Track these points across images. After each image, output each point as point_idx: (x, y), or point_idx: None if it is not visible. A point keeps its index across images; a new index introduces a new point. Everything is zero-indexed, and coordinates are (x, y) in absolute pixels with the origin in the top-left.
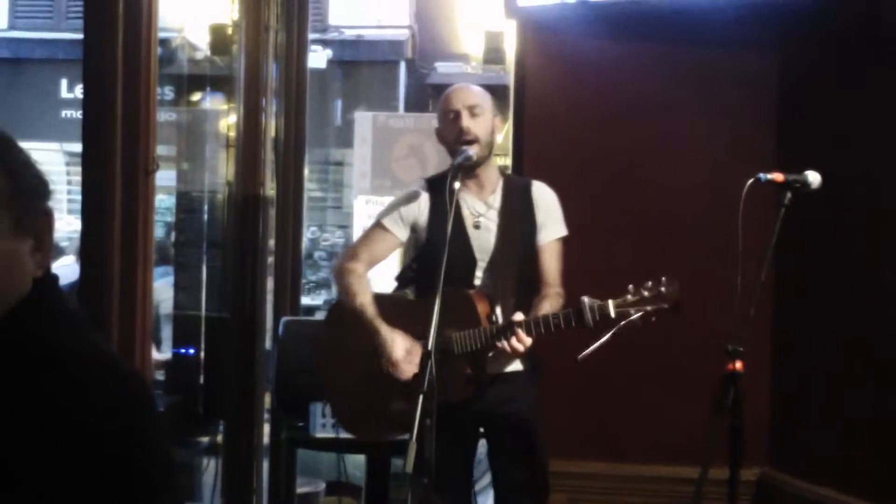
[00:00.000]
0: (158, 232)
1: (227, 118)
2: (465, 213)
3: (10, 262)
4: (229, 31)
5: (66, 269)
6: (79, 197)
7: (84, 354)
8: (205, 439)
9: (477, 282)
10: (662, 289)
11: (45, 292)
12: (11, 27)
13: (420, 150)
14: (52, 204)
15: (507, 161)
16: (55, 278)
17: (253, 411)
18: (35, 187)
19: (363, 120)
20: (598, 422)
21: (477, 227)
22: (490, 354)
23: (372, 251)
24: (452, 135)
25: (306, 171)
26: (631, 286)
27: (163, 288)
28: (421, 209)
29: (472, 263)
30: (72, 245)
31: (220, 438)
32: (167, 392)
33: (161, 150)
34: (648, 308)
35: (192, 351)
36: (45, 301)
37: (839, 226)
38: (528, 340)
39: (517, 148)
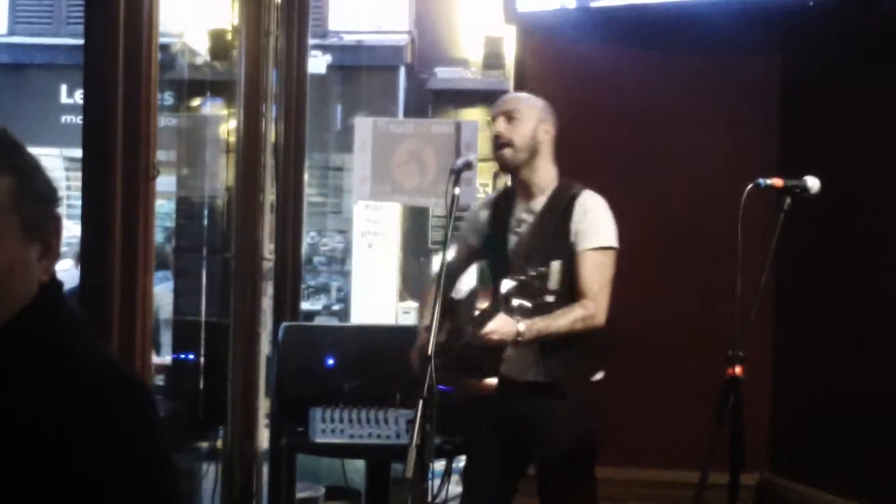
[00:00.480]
0: (158, 237)
1: (227, 123)
2: (510, 218)
3: (18, 266)
4: (229, 36)
5: (66, 274)
6: (78, 202)
7: (87, 359)
8: (205, 444)
9: None
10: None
11: (51, 297)
12: (11, 32)
13: (420, 155)
14: (60, 210)
15: None
16: (59, 284)
17: (253, 416)
18: (44, 192)
19: (363, 125)
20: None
21: (516, 233)
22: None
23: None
24: (492, 141)
25: (306, 177)
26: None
27: (163, 293)
28: (481, 218)
29: (507, 266)
30: (71, 250)
31: (220, 443)
32: (167, 397)
33: (161, 155)
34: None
35: (192, 356)
36: (51, 306)
37: (840, 231)
38: (489, 326)
39: None
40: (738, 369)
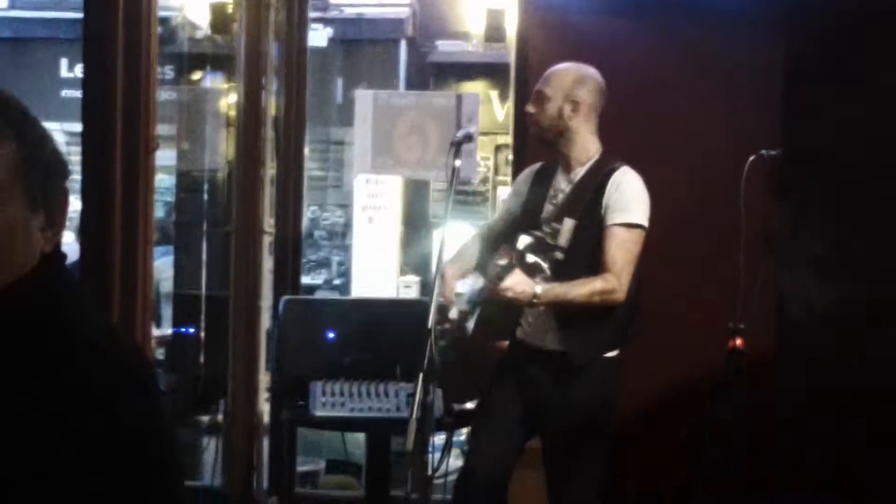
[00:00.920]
0: (159, 212)
1: (227, 97)
2: (549, 188)
3: (17, 230)
4: (230, 9)
5: (67, 247)
6: (79, 176)
7: (87, 331)
8: (205, 418)
9: None
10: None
11: (52, 268)
12: (12, 6)
13: (422, 128)
14: (68, 184)
15: (507, 139)
16: (63, 256)
17: (253, 390)
18: (51, 163)
19: (364, 98)
20: None
21: (552, 202)
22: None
23: (492, 221)
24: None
25: (307, 150)
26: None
27: (163, 267)
28: (524, 185)
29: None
30: (72, 224)
31: (220, 417)
32: (168, 371)
33: (162, 129)
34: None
35: (192, 330)
36: (51, 276)
37: (841, 207)
38: (506, 282)
39: (518, 126)
40: (738, 341)
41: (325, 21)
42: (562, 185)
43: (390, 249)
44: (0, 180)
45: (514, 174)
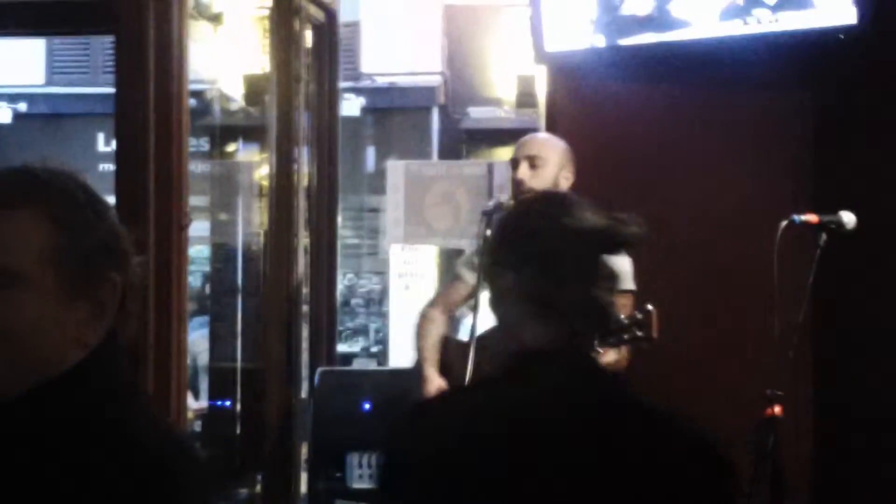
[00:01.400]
0: (195, 282)
1: (260, 168)
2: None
3: (45, 327)
4: (262, 81)
5: None
6: None
7: (132, 429)
8: (243, 491)
9: None
10: (639, 316)
11: (98, 363)
12: (48, 83)
13: (453, 197)
14: (123, 272)
15: None
16: (114, 348)
17: (290, 462)
18: (95, 249)
19: (395, 168)
20: None
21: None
22: None
23: (445, 296)
24: (513, 184)
25: (340, 219)
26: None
27: (200, 340)
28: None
29: None
30: None
31: (258, 489)
32: (204, 444)
33: (196, 200)
34: (625, 337)
35: (228, 403)
36: (96, 372)
37: (877, 266)
38: None
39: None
40: (776, 408)
41: (357, 90)
42: None
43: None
44: (24, 269)
45: None
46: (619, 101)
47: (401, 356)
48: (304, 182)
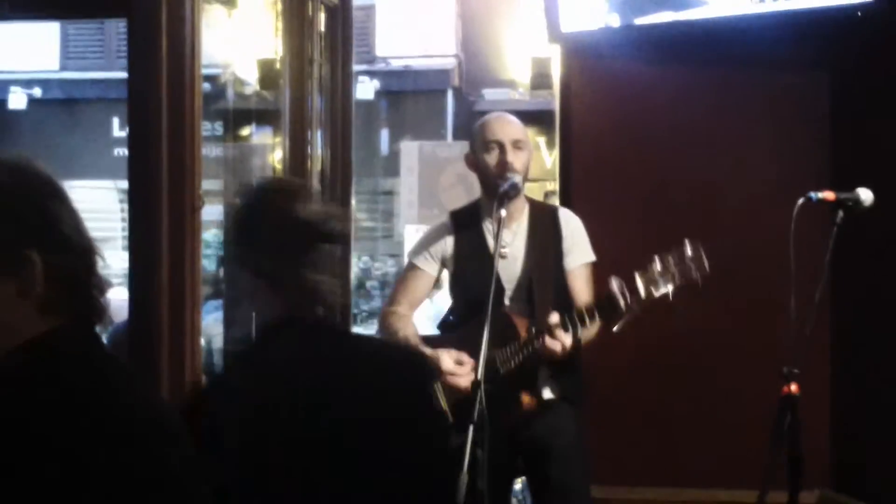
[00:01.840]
0: (210, 266)
1: (274, 152)
2: (491, 243)
3: None
4: (277, 65)
5: (122, 303)
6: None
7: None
8: None
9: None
10: (689, 253)
11: (58, 340)
12: (63, 68)
13: (467, 178)
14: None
15: (555, 186)
16: (82, 333)
17: None
18: (8, 226)
19: (409, 150)
20: (655, 447)
21: (503, 256)
22: (539, 376)
23: (409, 292)
24: (493, 166)
25: (354, 202)
26: (656, 256)
27: (215, 323)
28: (447, 244)
29: (501, 292)
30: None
31: None
32: None
33: (210, 185)
34: (676, 277)
35: None
36: (54, 345)
37: (895, 243)
38: (567, 338)
39: (564, 172)
40: (794, 387)
41: (372, 73)
42: (506, 238)
43: (442, 297)
44: None
45: None
46: (634, 81)
47: None
48: (318, 165)
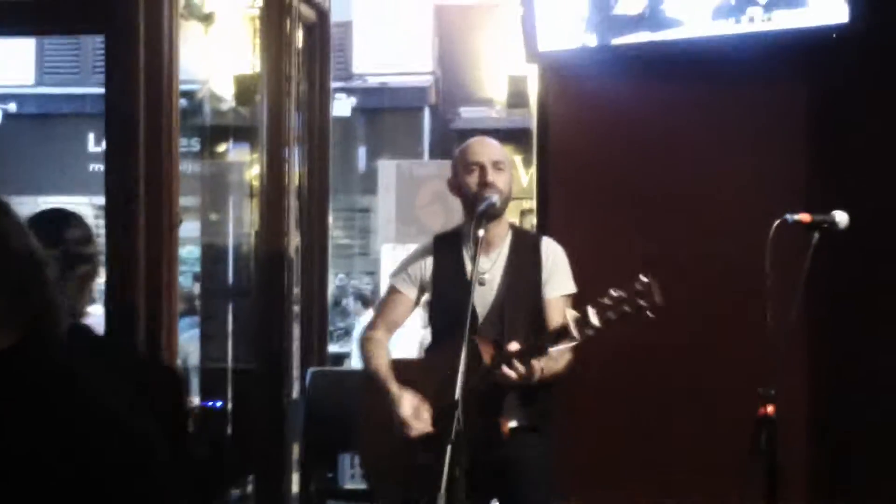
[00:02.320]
0: (185, 282)
1: (251, 168)
2: (468, 268)
3: None
4: (253, 81)
5: (95, 319)
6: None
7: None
8: (235, 492)
9: None
10: (639, 286)
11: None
12: (39, 83)
13: (444, 196)
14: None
15: (531, 204)
16: (36, 346)
17: (282, 463)
18: None
19: (387, 168)
20: (635, 458)
21: (481, 283)
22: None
23: (388, 316)
24: (474, 188)
25: (331, 219)
26: (611, 290)
27: (189, 340)
28: (426, 267)
29: (475, 318)
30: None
31: (249, 490)
32: (196, 444)
33: (186, 201)
34: (627, 308)
35: (219, 403)
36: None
37: (869, 265)
38: (522, 368)
39: (542, 191)
40: (769, 408)
41: (349, 91)
42: (484, 265)
43: (418, 315)
44: None
45: None
46: (611, 101)
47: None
48: (295, 182)
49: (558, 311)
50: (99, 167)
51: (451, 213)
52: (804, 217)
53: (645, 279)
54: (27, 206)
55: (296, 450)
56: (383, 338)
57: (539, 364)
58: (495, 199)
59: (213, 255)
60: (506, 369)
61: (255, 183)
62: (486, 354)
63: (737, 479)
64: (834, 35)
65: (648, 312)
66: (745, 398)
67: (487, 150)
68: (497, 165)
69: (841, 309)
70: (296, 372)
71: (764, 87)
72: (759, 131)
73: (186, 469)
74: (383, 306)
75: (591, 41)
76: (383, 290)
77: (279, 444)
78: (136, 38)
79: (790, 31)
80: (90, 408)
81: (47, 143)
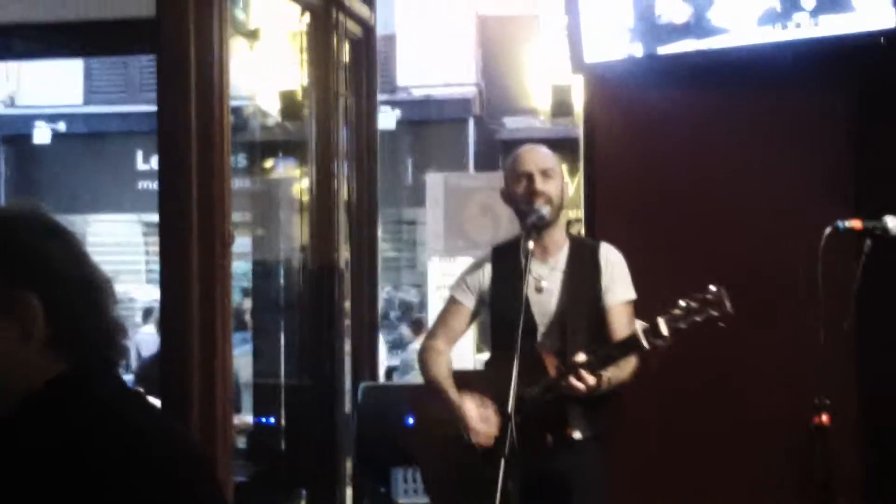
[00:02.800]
0: (236, 298)
1: (299, 183)
2: (526, 277)
3: None
4: (299, 96)
5: (149, 337)
6: (157, 266)
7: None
8: None
9: None
10: (709, 296)
11: (62, 389)
12: (87, 102)
13: (492, 209)
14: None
15: (580, 213)
16: (90, 375)
17: (335, 477)
18: (7, 269)
19: (434, 181)
20: (684, 477)
21: (539, 290)
22: (570, 414)
23: (447, 326)
24: (524, 197)
25: (379, 232)
26: (680, 300)
27: (242, 357)
28: (484, 276)
29: (533, 328)
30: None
31: None
32: (250, 460)
33: (236, 217)
34: (697, 318)
35: (272, 420)
36: (59, 397)
37: None
38: (591, 379)
39: (588, 201)
40: (824, 417)
41: (393, 103)
42: (542, 272)
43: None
44: None
45: None
46: (658, 110)
47: None
48: (344, 196)
49: (620, 318)
50: (147, 184)
51: (500, 226)
52: (856, 224)
53: (714, 288)
54: (77, 225)
55: (348, 464)
56: (443, 348)
57: (606, 374)
58: (544, 211)
59: (263, 270)
60: (573, 380)
61: (304, 198)
62: (551, 366)
63: (791, 490)
64: (882, 40)
65: (720, 322)
66: (799, 410)
67: (536, 158)
68: (546, 173)
69: (892, 316)
70: (347, 386)
71: (811, 93)
72: (807, 138)
73: None
74: (442, 316)
75: (637, 50)
76: (430, 302)
77: (332, 459)
78: (188, 57)
79: (837, 37)
80: (129, 441)
81: (96, 162)
